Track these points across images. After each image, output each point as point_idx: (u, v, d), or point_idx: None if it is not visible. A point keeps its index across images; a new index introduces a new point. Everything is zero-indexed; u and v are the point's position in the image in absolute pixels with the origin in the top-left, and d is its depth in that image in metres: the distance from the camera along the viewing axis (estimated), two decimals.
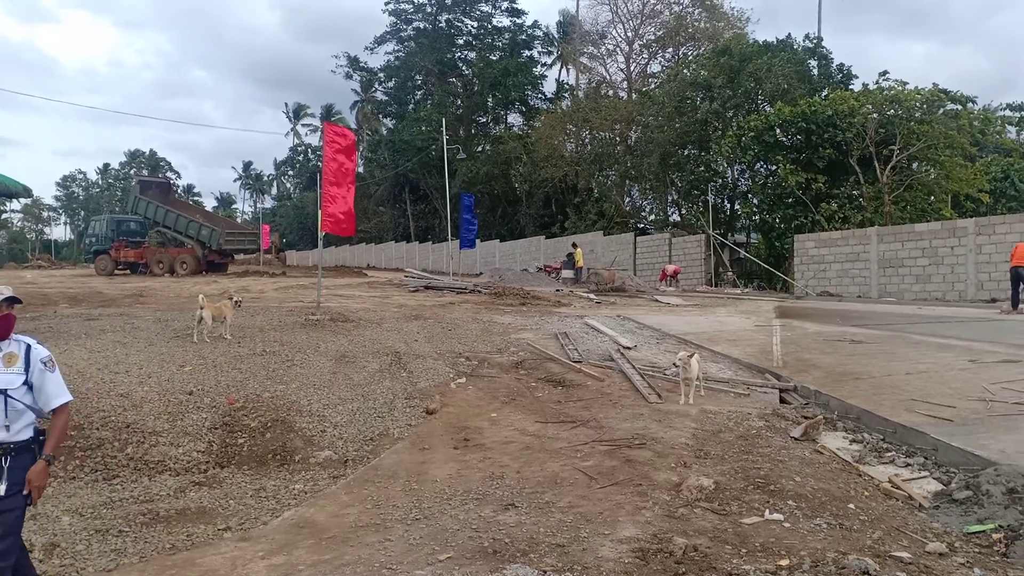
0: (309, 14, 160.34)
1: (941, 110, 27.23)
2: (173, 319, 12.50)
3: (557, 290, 23.46)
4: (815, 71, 34.84)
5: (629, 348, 11.32)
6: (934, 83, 27.98)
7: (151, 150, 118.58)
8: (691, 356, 8.36)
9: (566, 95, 57.56)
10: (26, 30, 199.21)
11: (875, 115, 27.38)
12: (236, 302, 11.91)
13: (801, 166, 28.15)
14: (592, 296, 21.08)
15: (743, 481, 5.47)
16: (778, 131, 29.29)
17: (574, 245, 31.78)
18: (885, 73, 29.13)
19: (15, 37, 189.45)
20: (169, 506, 5.89)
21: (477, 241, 35.33)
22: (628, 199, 44.19)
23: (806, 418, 7.49)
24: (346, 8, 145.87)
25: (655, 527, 4.57)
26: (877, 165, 27.17)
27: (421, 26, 63.10)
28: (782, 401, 8.61)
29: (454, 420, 7.87)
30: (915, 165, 28.64)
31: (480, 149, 58.37)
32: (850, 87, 32.61)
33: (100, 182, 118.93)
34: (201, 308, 10.67)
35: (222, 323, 11.09)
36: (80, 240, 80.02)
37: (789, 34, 36.70)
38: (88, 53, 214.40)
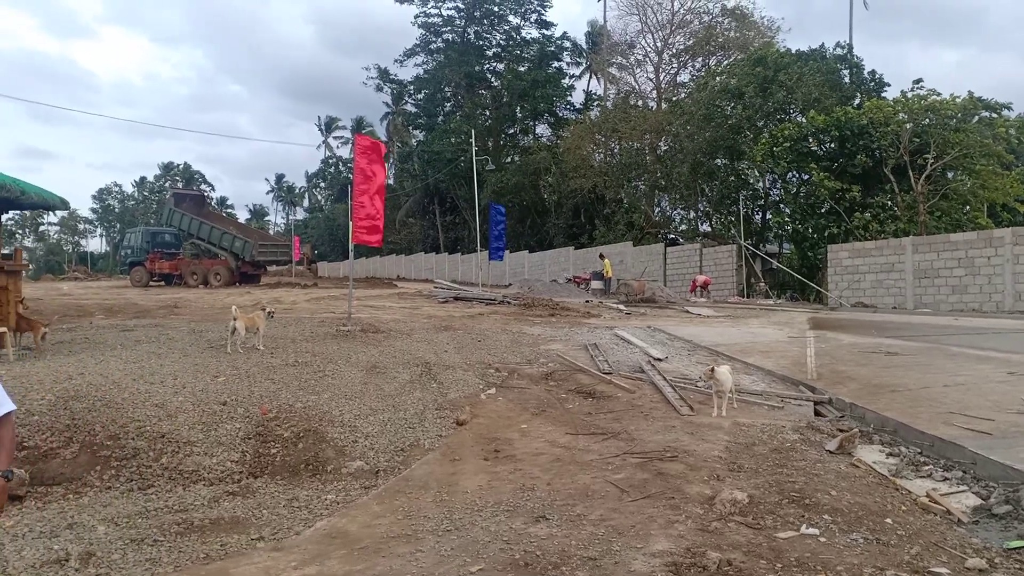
0: (342, 28, 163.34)
1: (976, 118, 26.77)
2: (207, 330, 12.70)
3: (586, 301, 23.39)
4: (846, 79, 34.44)
5: (660, 360, 11.25)
6: (969, 91, 27.51)
7: (185, 163, 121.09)
8: (712, 370, 8.27)
9: (595, 105, 57.51)
10: (64, 46, 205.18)
11: (909, 124, 27.00)
12: (269, 313, 12.07)
13: (835, 175, 27.82)
14: (622, 307, 21.00)
15: (778, 495, 5.39)
16: (811, 140, 28.99)
17: (601, 256, 31.70)
18: (919, 82, 28.69)
19: (53, 52, 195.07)
20: (203, 516, 5.94)
21: (506, 252, 35.29)
22: (658, 209, 43.94)
23: (841, 431, 7.37)
24: (377, 21, 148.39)
25: (688, 541, 4.52)
26: (911, 174, 26.77)
27: (450, 38, 63.59)
28: (817, 414, 8.49)
29: (484, 431, 7.87)
30: (950, 174, 28.17)
31: (509, 160, 58.47)
32: (883, 95, 32.20)
33: (136, 195, 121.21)
34: (234, 319, 10.80)
35: (255, 334, 11.23)
36: (116, 252, 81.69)
37: (822, 44, 36.45)
38: (124, 67, 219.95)
